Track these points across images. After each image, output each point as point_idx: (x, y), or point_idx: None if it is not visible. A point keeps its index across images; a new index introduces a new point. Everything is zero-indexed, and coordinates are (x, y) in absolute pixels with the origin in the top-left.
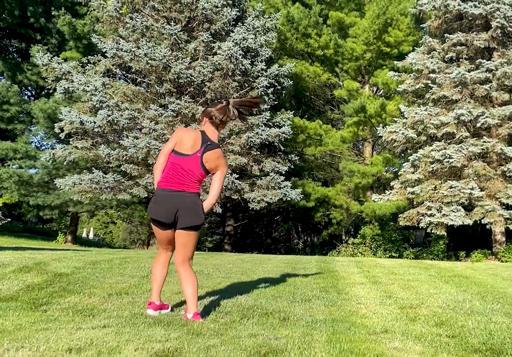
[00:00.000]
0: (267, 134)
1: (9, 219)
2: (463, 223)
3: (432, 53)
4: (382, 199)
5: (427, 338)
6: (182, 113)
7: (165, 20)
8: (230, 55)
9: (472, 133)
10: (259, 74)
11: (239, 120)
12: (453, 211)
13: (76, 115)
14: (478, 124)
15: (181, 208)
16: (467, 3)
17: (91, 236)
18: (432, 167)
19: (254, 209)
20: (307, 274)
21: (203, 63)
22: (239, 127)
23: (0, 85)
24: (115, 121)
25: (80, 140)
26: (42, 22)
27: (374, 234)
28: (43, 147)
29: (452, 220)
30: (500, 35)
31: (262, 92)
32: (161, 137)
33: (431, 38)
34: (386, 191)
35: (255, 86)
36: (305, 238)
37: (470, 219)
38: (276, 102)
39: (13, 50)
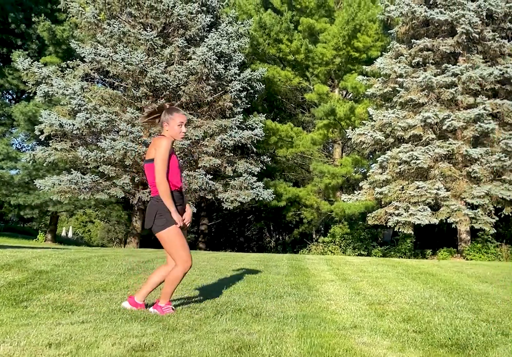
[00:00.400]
0: (240, 136)
1: None
2: (429, 222)
3: (399, 58)
4: (351, 199)
5: (394, 333)
6: None
7: (142, 26)
8: (204, 60)
9: (438, 135)
10: (232, 78)
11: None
12: (420, 211)
13: (56, 118)
14: (444, 127)
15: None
16: (433, 10)
17: (70, 234)
18: (400, 169)
19: (228, 208)
20: (279, 272)
21: (178, 67)
22: (213, 129)
23: None
24: (93, 124)
25: (59, 142)
26: (23, 28)
27: (344, 233)
28: (23, 149)
29: (419, 219)
30: (465, 40)
31: (236, 96)
32: (137, 140)
33: (398, 44)
34: (355, 191)
35: (229, 90)
36: (277, 236)
37: (436, 218)
38: (249, 106)
39: None
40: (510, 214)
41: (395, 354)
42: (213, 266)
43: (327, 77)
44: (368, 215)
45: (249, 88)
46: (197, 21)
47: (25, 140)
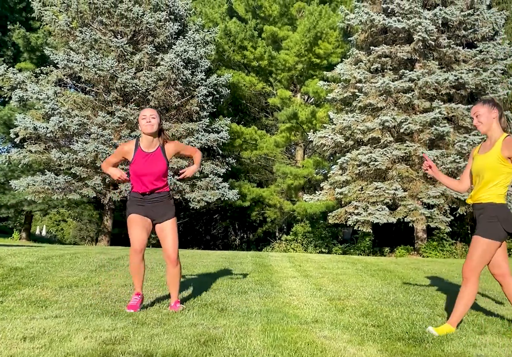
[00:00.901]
0: (206, 139)
1: None
2: (387, 221)
3: (359, 64)
4: (312, 198)
5: (354, 327)
6: (127, 119)
7: (112, 34)
8: (172, 66)
9: (396, 138)
10: (199, 83)
11: None
12: (378, 210)
13: (30, 122)
14: (402, 130)
15: None
16: (391, 18)
17: (44, 233)
18: (359, 170)
19: (195, 208)
20: (244, 268)
21: (147, 73)
22: (180, 132)
23: None
24: (66, 127)
25: (33, 144)
26: None
27: (305, 231)
28: None
29: (377, 218)
30: (421, 47)
31: (202, 100)
32: (108, 142)
33: (358, 50)
34: (316, 192)
35: (196, 95)
36: (242, 235)
37: (394, 217)
38: (214, 110)
39: None
40: (465, 213)
41: (354, 347)
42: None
43: (289, 83)
44: (328, 214)
45: (215, 93)
46: (165, 29)
47: (1, 143)
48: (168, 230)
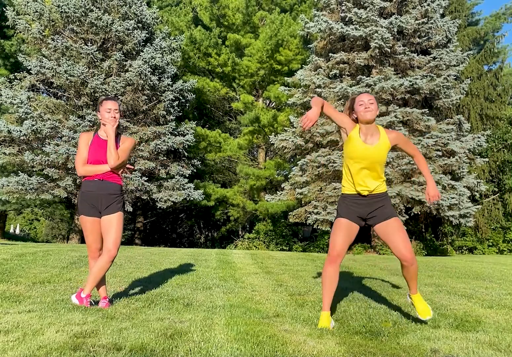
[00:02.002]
0: (172, 142)
1: None
2: None
3: (318, 70)
4: (274, 198)
5: (313, 321)
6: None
7: (83, 41)
8: (140, 72)
9: None
10: (166, 89)
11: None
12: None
13: (4, 125)
14: None
15: None
16: (349, 26)
17: (17, 231)
18: (318, 171)
19: (161, 207)
20: (208, 265)
21: (116, 79)
22: (148, 135)
23: None
24: (39, 130)
25: (7, 147)
26: None
27: (267, 230)
28: None
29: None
30: (378, 54)
31: (168, 105)
32: None
33: (317, 57)
34: (278, 192)
35: (162, 100)
36: (206, 233)
37: None
38: (180, 114)
39: None
40: (419, 213)
41: (314, 340)
42: (148, 260)
43: (252, 88)
44: (289, 213)
45: (181, 98)
46: (134, 36)
47: None
48: (112, 223)
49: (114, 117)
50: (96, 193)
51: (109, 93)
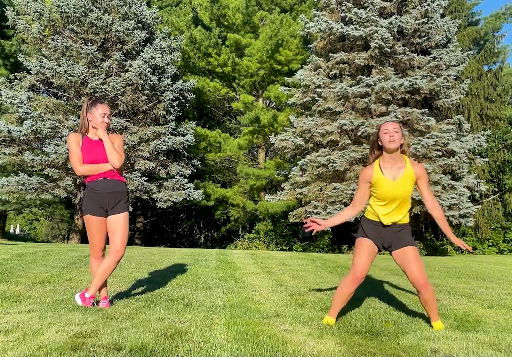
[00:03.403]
0: (172, 142)
1: None
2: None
3: (318, 70)
4: (274, 198)
5: (313, 321)
6: None
7: (83, 41)
8: (140, 72)
9: (353, 141)
10: (166, 89)
11: None
12: (337, 209)
13: (4, 125)
14: (359, 133)
15: None
16: (349, 26)
17: (17, 231)
18: (318, 171)
19: (161, 207)
20: (208, 265)
21: (116, 79)
22: (148, 135)
23: None
24: (39, 130)
25: (7, 147)
26: None
27: (267, 230)
28: None
29: None
30: (378, 54)
31: (168, 105)
32: None
33: (317, 57)
34: (278, 192)
35: (162, 100)
36: (206, 233)
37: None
38: (180, 114)
39: None
40: (419, 213)
41: (314, 340)
42: (148, 260)
43: (252, 88)
44: (289, 213)
45: (181, 98)
46: (133, 36)
47: None
48: (119, 223)
49: (107, 122)
50: (103, 192)
51: (109, 93)
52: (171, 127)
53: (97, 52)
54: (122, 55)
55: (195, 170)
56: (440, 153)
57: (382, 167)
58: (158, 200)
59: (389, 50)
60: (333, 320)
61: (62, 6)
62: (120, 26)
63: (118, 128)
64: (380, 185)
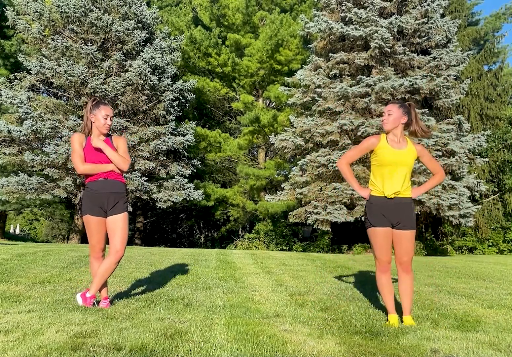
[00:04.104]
0: (172, 142)
1: None
2: (345, 220)
3: (318, 70)
4: (274, 198)
5: (313, 321)
6: None
7: (83, 41)
8: (140, 72)
9: (353, 141)
10: (166, 89)
11: None
12: (337, 209)
13: (4, 125)
14: (359, 133)
15: None
16: (349, 26)
17: (17, 231)
18: (318, 171)
19: (161, 207)
20: (208, 265)
21: (116, 79)
22: (148, 135)
23: None
24: (39, 130)
25: (7, 147)
26: None
27: (267, 230)
28: None
29: (335, 217)
30: (378, 54)
31: (168, 105)
32: None
33: (317, 57)
34: (278, 192)
35: (162, 100)
36: (206, 233)
37: (352, 216)
38: (180, 114)
39: None
40: (419, 213)
41: (314, 340)
42: (148, 260)
43: (252, 88)
44: (289, 213)
45: (181, 98)
46: (133, 36)
47: None
48: (119, 223)
49: (109, 124)
50: (102, 193)
51: (109, 93)
52: (171, 127)
53: (97, 52)
54: (122, 55)
55: (195, 170)
56: (440, 153)
57: (389, 139)
58: (158, 200)
59: (389, 50)
60: (395, 316)
61: (62, 6)
62: (120, 26)
63: (118, 128)
64: (383, 152)
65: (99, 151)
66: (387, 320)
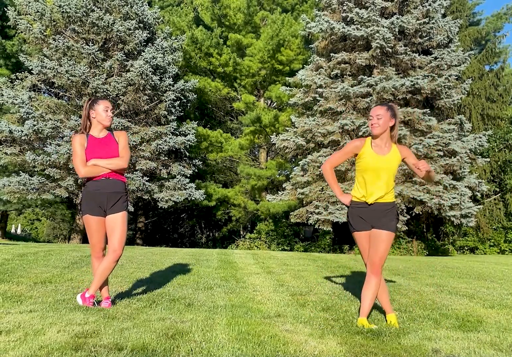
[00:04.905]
0: (174, 142)
1: None
2: (346, 220)
3: (319, 70)
4: (275, 198)
5: (315, 321)
6: None
7: (84, 41)
8: (141, 72)
9: None
10: (167, 89)
11: None
12: (338, 209)
13: (6, 125)
14: (360, 133)
15: None
16: (350, 26)
17: (19, 231)
18: (320, 171)
19: (163, 207)
20: (210, 265)
21: (118, 79)
22: (149, 135)
23: None
24: (40, 130)
25: (9, 147)
26: None
27: (269, 230)
28: None
29: (337, 217)
30: (379, 54)
31: (170, 105)
32: None
33: (318, 57)
34: (279, 192)
35: (164, 100)
36: (208, 233)
37: None
38: (182, 114)
39: None
40: (420, 213)
41: (315, 340)
42: (149, 260)
43: (253, 88)
44: (290, 213)
45: (182, 98)
46: (135, 36)
47: None
48: (117, 222)
49: (111, 116)
50: (102, 192)
51: (110, 93)
52: (172, 127)
53: (98, 52)
54: (123, 55)
55: (196, 170)
56: (441, 153)
57: (373, 144)
58: (159, 199)
59: (390, 50)
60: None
61: (64, 6)
62: (121, 26)
63: (120, 128)
64: (366, 157)
65: (102, 148)
66: (386, 320)
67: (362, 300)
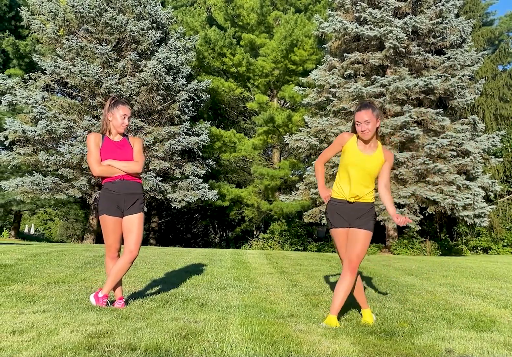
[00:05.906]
0: (187, 142)
1: None
2: None
3: (332, 70)
4: (288, 198)
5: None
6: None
7: (97, 41)
8: (154, 72)
9: None
10: (180, 89)
11: None
12: None
13: (19, 125)
14: None
15: None
16: (363, 26)
17: (32, 231)
18: (333, 171)
19: (176, 207)
20: (223, 265)
21: (131, 79)
22: (162, 135)
23: None
24: (53, 130)
25: (22, 147)
26: None
27: (282, 230)
28: None
29: None
30: (392, 54)
31: (183, 105)
32: None
33: (332, 57)
34: (292, 192)
35: (177, 100)
36: (221, 233)
37: None
38: (195, 114)
39: None
40: (434, 213)
41: (328, 340)
42: (162, 260)
43: (266, 88)
44: (304, 213)
45: (196, 98)
46: (148, 36)
47: None
48: (134, 223)
49: (126, 124)
50: (120, 193)
51: (123, 93)
52: (185, 127)
53: (111, 52)
54: (136, 55)
55: (209, 170)
56: (454, 153)
57: (359, 142)
58: (172, 200)
59: (403, 50)
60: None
61: (77, 6)
62: (134, 26)
63: (133, 128)
64: (350, 153)
65: (117, 151)
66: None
67: (334, 297)
